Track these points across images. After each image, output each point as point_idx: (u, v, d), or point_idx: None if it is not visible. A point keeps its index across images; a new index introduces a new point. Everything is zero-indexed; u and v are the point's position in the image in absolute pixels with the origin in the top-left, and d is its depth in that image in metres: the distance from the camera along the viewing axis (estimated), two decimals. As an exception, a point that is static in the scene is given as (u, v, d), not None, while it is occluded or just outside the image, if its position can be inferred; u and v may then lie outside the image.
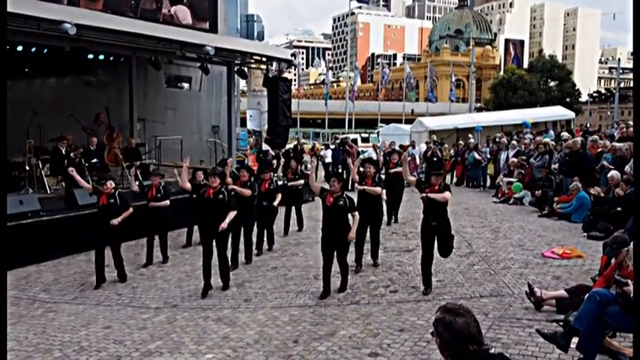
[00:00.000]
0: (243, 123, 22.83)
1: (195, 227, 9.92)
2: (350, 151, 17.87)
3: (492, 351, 2.36)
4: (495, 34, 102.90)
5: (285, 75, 15.77)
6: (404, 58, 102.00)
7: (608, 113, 68.12)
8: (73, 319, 6.70)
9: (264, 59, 15.10)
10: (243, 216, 8.52)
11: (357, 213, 6.92)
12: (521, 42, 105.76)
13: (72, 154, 11.61)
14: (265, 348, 5.38)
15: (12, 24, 9.13)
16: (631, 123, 15.00)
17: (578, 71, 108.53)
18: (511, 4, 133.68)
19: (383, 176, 11.60)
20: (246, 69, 15.46)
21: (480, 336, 2.34)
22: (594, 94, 79.50)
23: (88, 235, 8.76)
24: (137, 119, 15.04)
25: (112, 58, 14.26)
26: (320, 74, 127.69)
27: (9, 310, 6.74)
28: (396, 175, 10.90)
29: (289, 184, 11.08)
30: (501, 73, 74.74)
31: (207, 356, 5.28)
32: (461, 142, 19.42)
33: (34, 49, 12.25)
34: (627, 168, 10.01)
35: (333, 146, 21.35)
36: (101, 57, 13.58)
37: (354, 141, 25.18)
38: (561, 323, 4.84)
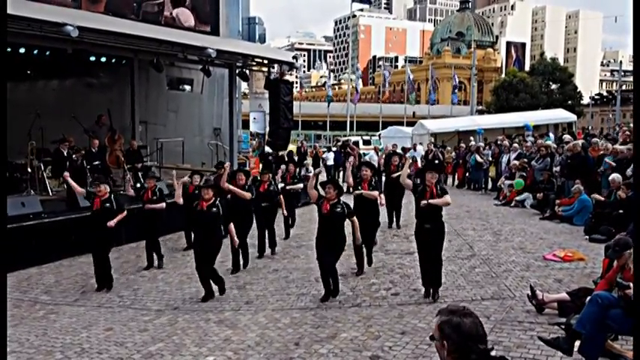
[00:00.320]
0: (245, 125, 22.83)
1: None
2: (351, 153, 17.87)
3: (494, 354, 2.35)
4: (497, 37, 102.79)
5: (287, 77, 15.80)
6: (405, 60, 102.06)
7: (610, 116, 68.01)
8: (75, 321, 6.70)
9: (265, 62, 15.13)
10: (241, 219, 8.51)
11: (355, 218, 6.82)
12: (523, 45, 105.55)
13: (74, 156, 11.64)
14: (266, 350, 5.37)
15: (15, 26, 9.17)
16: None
17: (580, 74, 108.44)
18: (512, 7, 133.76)
19: (384, 179, 11.64)
20: (247, 71, 15.49)
21: (485, 337, 2.33)
22: (596, 97, 79.31)
23: (90, 237, 8.74)
24: (139, 121, 15.05)
25: (113, 61, 14.28)
26: (321, 77, 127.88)
27: (10, 312, 6.75)
28: (397, 180, 10.85)
29: (287, 187, 11.06)
30: (503, 75, 74.58)
31: (208, 358, 5.28)
32: (462, 144, 19.43)
33: (36, 52, 12.29)
34: (629, 171, 10.01)
35: (335, 149, 21.36)
36: (103, 59, 13.61)
37: (356, 143, 25.19)
38: (563, 326, 4.83)
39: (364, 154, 20.06)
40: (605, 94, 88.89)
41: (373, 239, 8.29)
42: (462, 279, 7.35)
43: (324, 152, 21.79)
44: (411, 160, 16.74)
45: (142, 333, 6.10)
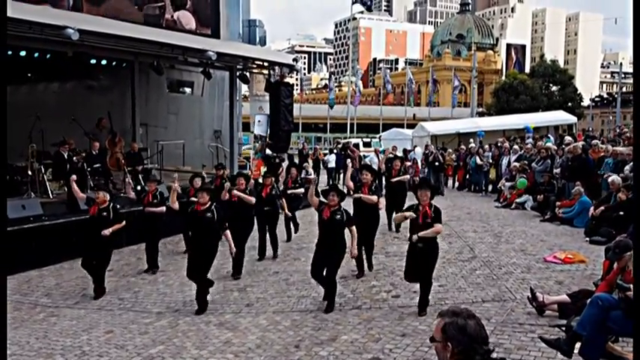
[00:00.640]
0: (246, 128, 22.86)
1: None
2: (352, 155, 17.87)
3: (494, 356, 2.35)
4: (497, 39, 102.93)
5: (287, 80, 15.82)
6: (406, 62, 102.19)
7: (610, 118, 68.07)
8: (75, 323, 6.69)
9: (266, 64, 15.15)
10: (242, 223, 8.52)
11: (354, 228, 6.66)
12: (523, 47, 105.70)
13: (74, 159, 11.65)
14: (267, 353, 5.37)
15: (17, 30, 9.19)
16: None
17: (580, 76, 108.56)
18: (513, 9, 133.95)
19: (384, 182, 11.62)
20: (248, 74, 15.52)
21: (487, 339, 2.34)
22: (596, 99, 79.35)
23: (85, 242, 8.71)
24: (139, 124, 15.08)
25: (114, 63, 14.31)
26: (322, 79, 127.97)
27: (11, 315, 6.75)
28: (399, 182, 10.85)
29: (289, 191, 11.05)
30: (503, 77, 74.71)
31: (208, 361, 5.28)
32: (463, 146, 19.43)
33: (37, 54, 12.29)
34: (627, 168, 9.99)
35: (336, 151, 21.34)
36: (104, 62, 13.64)
37: (356, 145, 25.19)
38: (564, 328, 4.83)
39: (364, 157, 20.07)
40: (605, 95, 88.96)
41: (372, 242, 8.25)
42: (463, 281, 7.35)
43: (325, 155, 21.76)
44: (410, 162, 16.76)
45: (143, 336, 6.10)
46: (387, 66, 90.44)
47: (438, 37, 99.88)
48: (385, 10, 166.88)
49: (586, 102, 69.03)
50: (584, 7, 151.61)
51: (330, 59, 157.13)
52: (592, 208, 10.05)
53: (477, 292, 6.82)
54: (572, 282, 6.99)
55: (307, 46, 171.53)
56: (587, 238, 9.42)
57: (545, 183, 13.06)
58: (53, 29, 9.82)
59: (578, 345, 4.43)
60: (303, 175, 14.15)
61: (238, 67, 14.92)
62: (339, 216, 6.60)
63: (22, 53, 11.74)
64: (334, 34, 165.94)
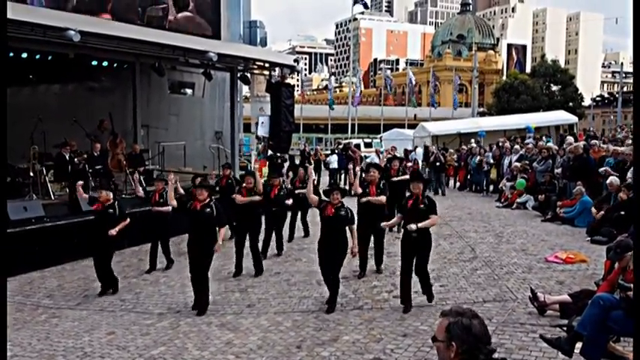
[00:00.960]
0: (247, 129, 22.87)
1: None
2: (353, 156, 17.88)
3: (496, 356, 2.36)
4: (498, 39, 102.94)
5: (288, 80, 15.84)
6: (406, 63, 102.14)
7: (611, 117, 67.95)
8: (77, 324, 6.71)
9: (267, 65, 15.17)
10: (250, 223, 8.56)
11: (354, 226, 6.74)
12: (524, 47, 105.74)
13: (76, 160, 11.65)
14: (268, 353, 5.38)
15: (18, 32, 9.21)
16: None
17: (581, 75, 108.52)
18: (513, 9, 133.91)
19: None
20: (249, 75, 15.52)
21: (490, 338, 2.34)
22: (597, 99, 79.28)
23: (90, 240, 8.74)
24: (141, 125, 15.10)
25: (115, 65, 14.34)
26: (323, 80, 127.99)
27: (13, 316, 6.77)
28: (399, 182, 10.84)
29: (296, 191, 11.09)
30: (504, 77, 74.69)
31: (210, 362, 5.29)
32: (464, 146, 19.43)
33: (38, 56, 12.32)
34: (629, 175, 9.99)
35: (337, 151, 21.35)
36: (105, 63, 13.65)
37: (357, 146, 25.20)
38: (565, 328, 4.83)
39: (365, 157, 20.09)
40: (606, 95, 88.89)
41: (382, 244, 8.21)
42: (464, 281, 7.36)
43: (326, 156, 21.77)
44: (411, 162, 16.72)
45: (144, 337, 6.11)
46: (387, 66, 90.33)
47: (439, 38, 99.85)
48: (386, 11, 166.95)
49: (587, 102, 69.00)
50: (584, 7, 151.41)
51: (331, 60, 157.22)
52: (592, 208, 10.05)
53: (478, 292, 6.82)
54: (573, 282, 6.98)
55: (308, 47, 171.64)
56: (589, 238, 9.41)
57: (547, 183, 13.05)
58: (55, 31, 9.84)
59: (579, 345, 4.43)
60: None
61: (239, 68, 14.93)
62: (343, 212, 6.62)
63: (24, 55, 11.77)
64: (335, 35, 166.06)
